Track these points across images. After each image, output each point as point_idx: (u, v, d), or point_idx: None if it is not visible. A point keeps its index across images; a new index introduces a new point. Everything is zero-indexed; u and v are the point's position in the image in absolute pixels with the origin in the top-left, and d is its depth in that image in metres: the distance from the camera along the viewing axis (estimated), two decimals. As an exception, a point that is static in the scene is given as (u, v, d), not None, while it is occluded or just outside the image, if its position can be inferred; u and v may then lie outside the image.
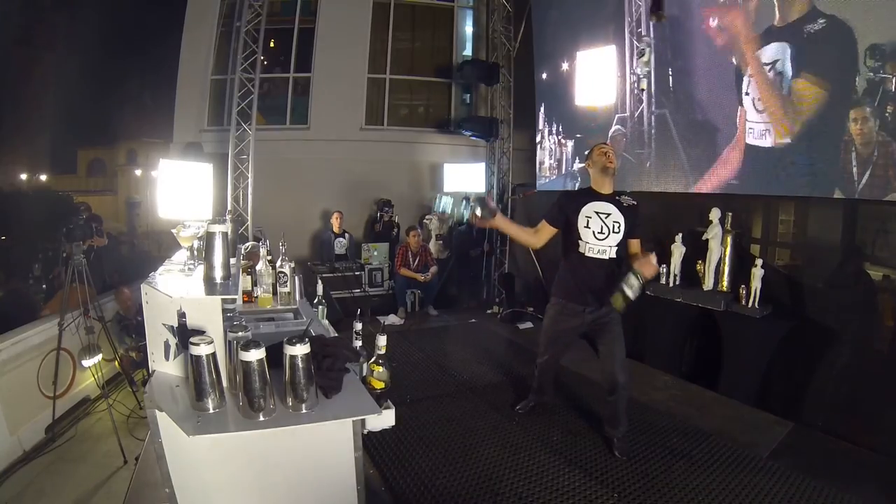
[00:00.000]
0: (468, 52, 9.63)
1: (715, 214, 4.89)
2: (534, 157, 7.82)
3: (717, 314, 4.84)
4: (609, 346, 3.61)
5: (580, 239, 3.52)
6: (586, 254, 3.52)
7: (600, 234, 3.48)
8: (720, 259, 4.93)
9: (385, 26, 9.04)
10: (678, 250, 5.23)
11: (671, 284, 5.27)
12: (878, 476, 3.47)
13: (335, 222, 8.01)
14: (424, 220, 8.56)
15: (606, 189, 3.58)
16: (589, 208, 3.52)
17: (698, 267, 5.07)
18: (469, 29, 9.65)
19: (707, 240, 4.93)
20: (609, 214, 3.49)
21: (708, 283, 5.00)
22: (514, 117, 8.73)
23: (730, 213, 4.86)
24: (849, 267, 4.43)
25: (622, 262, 3.54)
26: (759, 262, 4.59)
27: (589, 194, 3.60)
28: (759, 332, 4.62)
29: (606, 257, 3.50)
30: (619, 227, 3.48)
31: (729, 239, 4.86)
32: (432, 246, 8.08)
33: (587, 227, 3.50)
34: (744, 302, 4.64)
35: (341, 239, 8.02)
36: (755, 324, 4.59)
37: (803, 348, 4.47)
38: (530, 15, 7.94)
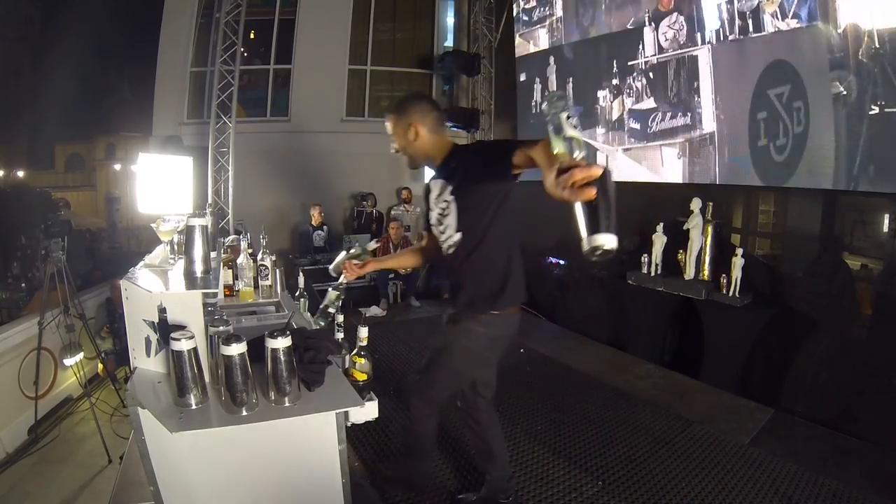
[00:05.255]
0: (449, 42, 9.62)
1: (696, 205, 4.92)
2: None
3: (699, 303, 4.88)
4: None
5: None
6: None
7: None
8: (701, 248, 4.97)
9: (366, 17, 8.99)
10: (659, 240, 5.27)
11: (653, 274, 5.31)
12: (857, 460, 3.54)
13: (315, 215, 7.98)
14: (393, 212, 8.57)
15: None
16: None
17: (679, 256, 5.11)
18: (450, 20, 9.63)
19: (688, 229, 4.97)
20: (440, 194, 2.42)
21: (689, 273, 5.05)
22: (495, 108, 8.71)
23: (710, 203, 4.90)
24: (827, 256, 4.50)
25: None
26: (739, 251, 4.64)
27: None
28: (739, 320, 4.67)
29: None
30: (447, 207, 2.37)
31: (709, 229, 4.90)
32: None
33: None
34: (724, 291, 4.69)
35: (320, 231, 7.99)
36: (736, 312, 4.64)
37: (783, 336, 4.54)
38: (511, 5, 7.92)
